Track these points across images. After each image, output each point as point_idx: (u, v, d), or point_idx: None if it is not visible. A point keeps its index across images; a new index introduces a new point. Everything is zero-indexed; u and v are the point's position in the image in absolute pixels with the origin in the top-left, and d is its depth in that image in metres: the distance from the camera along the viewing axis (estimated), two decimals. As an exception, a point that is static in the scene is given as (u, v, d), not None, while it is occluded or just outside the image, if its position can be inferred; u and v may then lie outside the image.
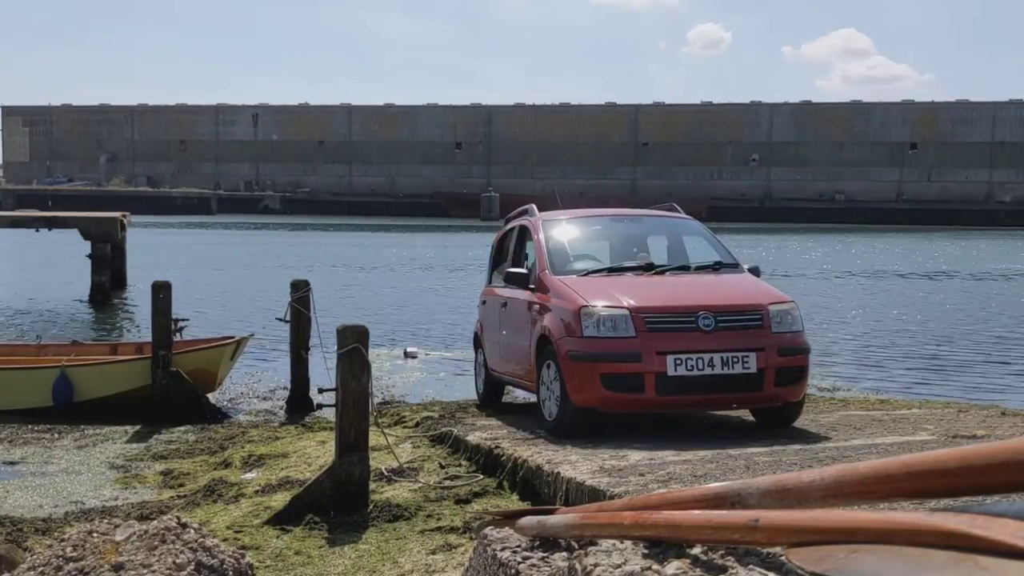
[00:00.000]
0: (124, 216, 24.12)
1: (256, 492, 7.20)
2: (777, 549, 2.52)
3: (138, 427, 10.11)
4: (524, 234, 8.88)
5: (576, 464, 6.08)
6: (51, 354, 11.88)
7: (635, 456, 6.25)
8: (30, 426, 10.05)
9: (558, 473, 5.91)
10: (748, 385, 7.06)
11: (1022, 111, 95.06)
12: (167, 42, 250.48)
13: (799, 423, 7.49)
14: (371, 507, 6.40)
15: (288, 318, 11.22)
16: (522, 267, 8.50)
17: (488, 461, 7.03)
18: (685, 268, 8.19)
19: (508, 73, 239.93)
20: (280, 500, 6.71)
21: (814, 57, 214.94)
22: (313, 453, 8.21)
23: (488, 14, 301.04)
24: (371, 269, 33.78)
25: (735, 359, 6.98)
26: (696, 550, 2.71)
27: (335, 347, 6.89)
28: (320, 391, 8.06)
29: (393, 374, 13.47)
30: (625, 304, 7.11)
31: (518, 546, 3.17)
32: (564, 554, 3.03)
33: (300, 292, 11.13)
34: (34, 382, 10.82)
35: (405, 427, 8.92)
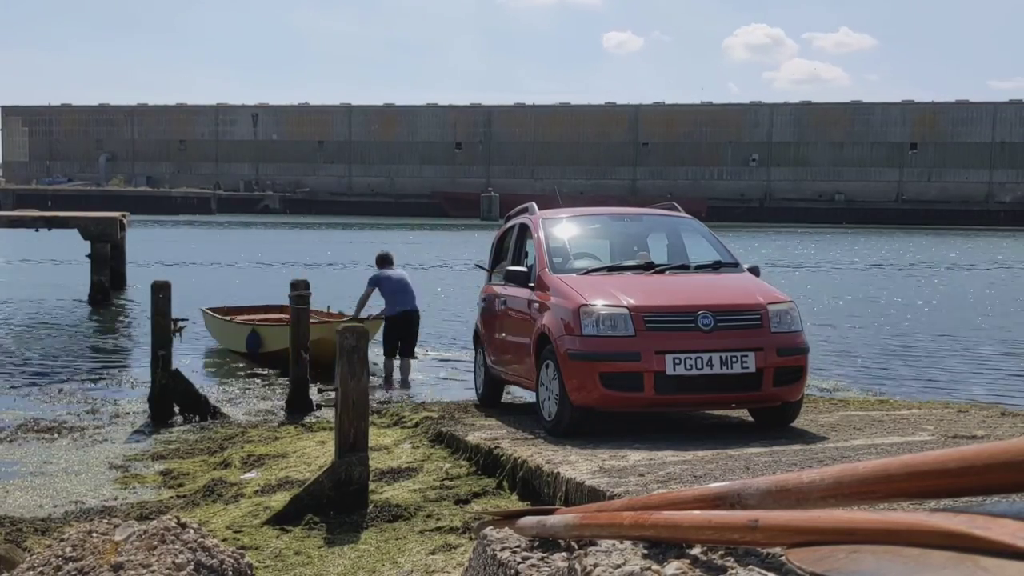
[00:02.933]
0: (123, 216, 24.12)
1: (255, 492, 7.19)
2: (777, 549, 2.52)
3: (138, 427, 10.11)
4: (524, 232, 8.87)
5: (576, 464, 6.08)
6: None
7: (635, 456, 6.25)
8: (29, 426, 10.05)
9: (558, 473, 5.91)
10: (747, 385, 7.06)
11: (1022, 111, 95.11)
12: (167, 42, 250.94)
13: (798, 423, 7.49)
14: (371, 507, 6.40)
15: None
16: (522, 265, 8.50)
17: (488, 461, 7.02)
18: (685, 267, 8.19)
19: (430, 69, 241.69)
20: (280, 500, 6.71)
21: (736, 57, 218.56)
22: (313, 453, 8.21)
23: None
24: (370, 268, 33.73)
25: (734, 359, 6.98)
26: (696, 550, 2.71)
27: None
28: (320, 391, 8.08)
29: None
30: (624, 303, 7.10)
31: (518, 546, 3.17)
32: (564, 554, 3.03)
33: (299, 291, 11.12)
34: (236, 333, 14.71)
35: (404, 427, 8.91)
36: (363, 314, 12.93)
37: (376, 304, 13.10)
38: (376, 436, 8.14)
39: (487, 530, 3.39)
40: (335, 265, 34.60)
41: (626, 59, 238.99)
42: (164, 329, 10.80)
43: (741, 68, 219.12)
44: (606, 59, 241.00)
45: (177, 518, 4.02)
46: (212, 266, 33.72)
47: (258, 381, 12.87)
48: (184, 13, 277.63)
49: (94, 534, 3.86)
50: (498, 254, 9.71)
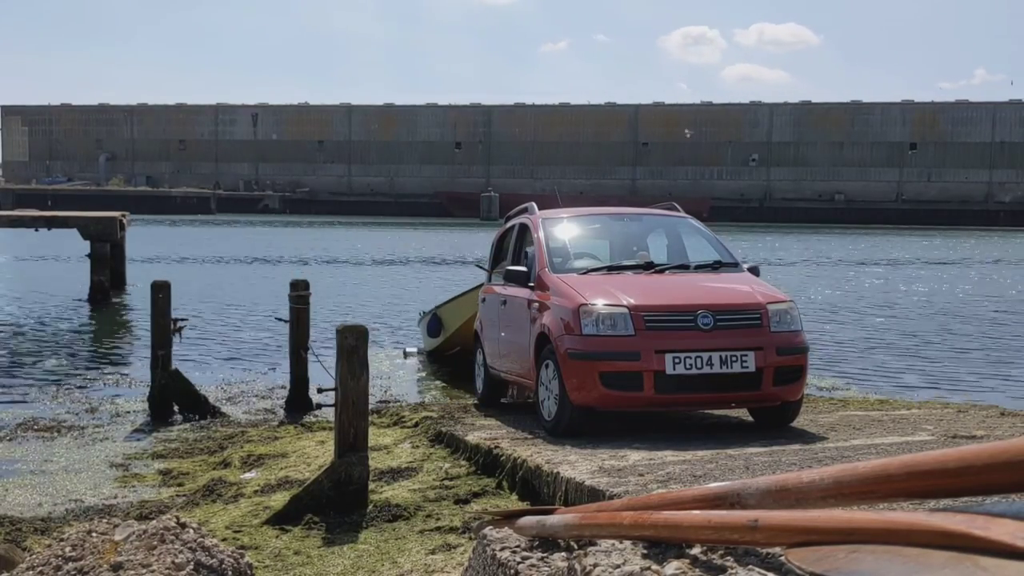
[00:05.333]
0: (123, 216, 24.11)
1: (255, 492, 7.19)
2: (776, 549, 2.52)
3: (137, 426, 10.12)
4: (524, 232, 8.87)
5: (575, 464, 6.08)
6: None
7: (634, 456, 6.25)
8: (29, 424, 10.05)
9: (557, 473, 5.91)
10: (746, 384, 7.06)
11: (1022, 111, 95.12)
12: (167, 42, 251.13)
13: (798, 423, 7.49)
14: (370, 507, 6.40)
15: (288, 317, 11.22)
16: (522, 265, 8.50)
17: (487, 461, 7.03)
18: (684, 267, 8.19)
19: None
20: (279, 500, 6.71)
21: (674, 57, 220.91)
22: (312, 453, 8.21)
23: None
24: (370, 268, 33.79)
25: (734, 358, 6.98)
26: (695, 550, 2.71)
27: (334, 347, 6.89)
28: (319, 391, 8.08)
29: (393, 374, 13.48)
30: (624, 302, 7.10)
31: (517, 546, 3.17)
32: (563, 554, 3.03)
33: (299, 291, 11.11)
34: (424, 322, 14.60)
35: (404, 427, 8.91)
36: None
37: None
38: (376, 436, 8.14)
39: (487, 530, 3.40)
40: (336, 264, 34.62)
41: (560, 60, 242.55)
42: (164, 329, 10.80)
43: (681, 68, 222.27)
44: (537, 61, 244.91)
45: (177, 518, 4.02)
46: (212, 264, 33.72)
47: (258, 380, 12.88)
48: (184, 13, 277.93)
49: (94, 534, 3.86)
50: (498, 254, 9.72)
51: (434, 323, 13.81)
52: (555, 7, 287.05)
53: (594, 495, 5.24)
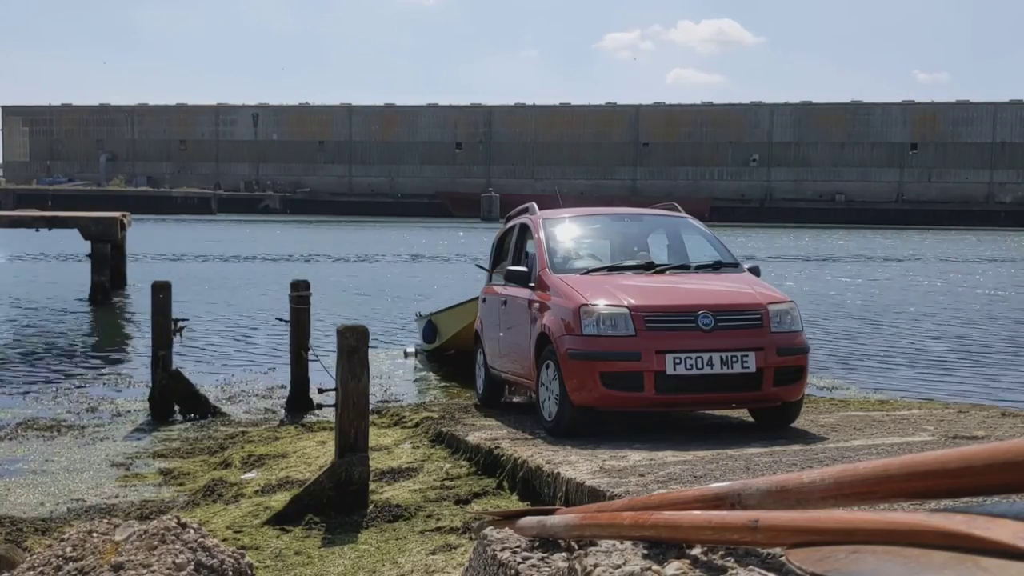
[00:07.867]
0: (124, 216, 24.11)
1: (256, 492, 7.20)
2: (777, 550, 2.52)
3: (138, 425, 10.12)
4: (524, 232, 8.88)
5: (576, 464, 6.08)
6: None
7: (635, 456, 6.25)
8: (30, 424, 10.05)
9: (558, 473, 5.91)
10: (747, 384, 7.06)
11: (1022, 112, 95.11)
12: (167, 42, 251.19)
13: (799, 423, 7.49)
14: (371, 507, 6.40)
15: (288, 318, 11.22)
16: (522, 265, 8.50)
17: (488, 461, 7.03)
18: (685, 267, 8.19)
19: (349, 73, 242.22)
20: (280, 500, 6.71)
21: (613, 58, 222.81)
22: (313, 453, 8.21)
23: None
24: (371, 268, 33.79)
25: (734, 358, 6.98)
26: (696, 551, 2.71)
27: (334, 347, 6.89)
28: (320, 391, 8.08)
29: (393, 374, 13.48)
30: (625, 303, 7.11)
31: (518, 546, 3.17)
32: (564, 554, 3.03)
33: (299, 292, 11.11)
34: (420, 325, 14.81)
35: (405, 427, 8.91)
36: None
37: None
38: (376, 436, 8.14)
39: (487, 530, 3.39)
40: (337, 264, 34.63)
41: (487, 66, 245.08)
42: (164, 329, 10.80)
43: (616, 71, 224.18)
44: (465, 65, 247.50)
45: (177, 518, 4.02)
46: (212, 264, 33.73)
47: (258, 381, 12.88)
48: (184, 13, 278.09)
49: (94, 534, 3.86)
50: (498, 254, 9.72)
51: (429, 329, 14.18)
52: (483, 13, 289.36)
53: (595, 495, 5.24)
